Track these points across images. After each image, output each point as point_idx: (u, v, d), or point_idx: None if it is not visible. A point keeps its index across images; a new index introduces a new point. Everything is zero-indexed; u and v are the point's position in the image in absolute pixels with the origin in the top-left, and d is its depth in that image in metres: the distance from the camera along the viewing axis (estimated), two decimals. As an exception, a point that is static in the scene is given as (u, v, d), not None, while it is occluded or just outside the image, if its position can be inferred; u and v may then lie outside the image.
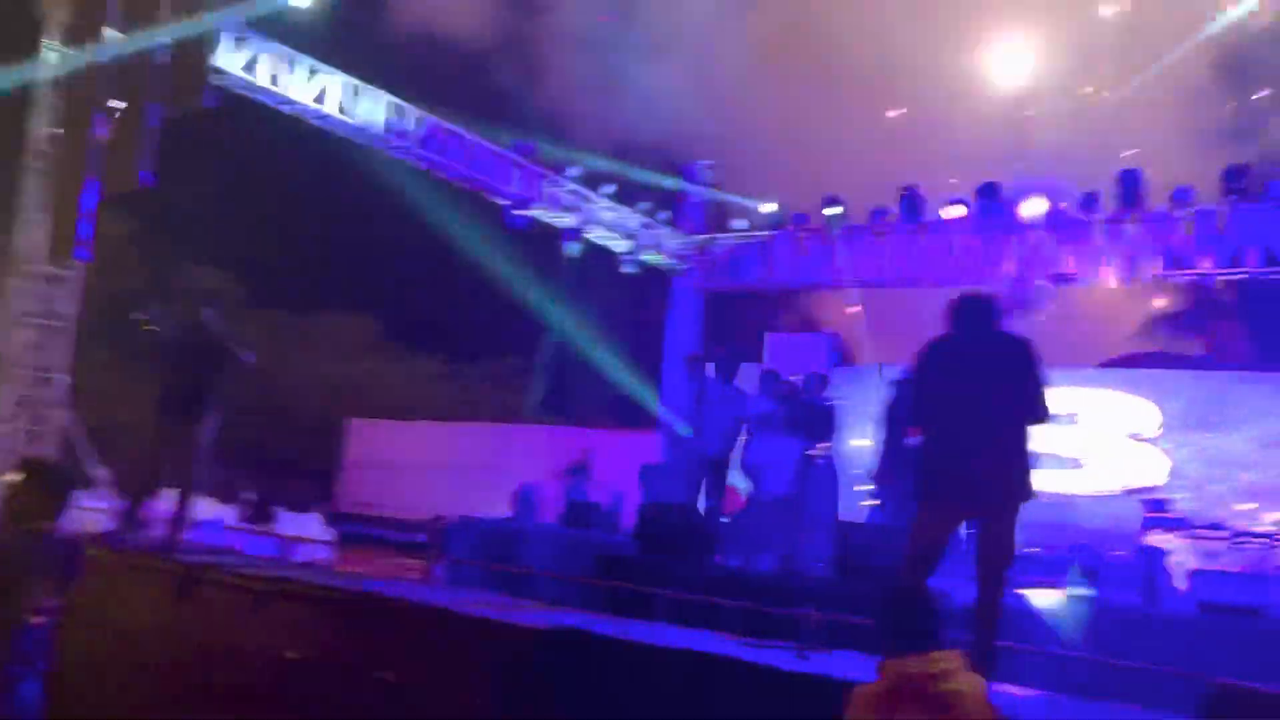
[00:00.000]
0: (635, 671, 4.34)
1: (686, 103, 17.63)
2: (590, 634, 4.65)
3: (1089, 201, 13.33)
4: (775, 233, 15.61)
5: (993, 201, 13.91)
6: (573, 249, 14.78)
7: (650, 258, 15.89)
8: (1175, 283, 15.27)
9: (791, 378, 9.43)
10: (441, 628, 5.04)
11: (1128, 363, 17.10)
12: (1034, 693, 4.10)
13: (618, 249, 15.44)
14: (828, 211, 14.90)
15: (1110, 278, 13.55)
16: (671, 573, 7.15)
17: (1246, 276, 13.01)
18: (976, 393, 4.17)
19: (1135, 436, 13.43)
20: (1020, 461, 4.15)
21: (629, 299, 17.49)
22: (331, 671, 5.04)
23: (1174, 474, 12.89)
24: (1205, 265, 12.82)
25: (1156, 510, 11.26)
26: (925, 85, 17.02)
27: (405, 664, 4.90)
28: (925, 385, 4.37)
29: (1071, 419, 13.12)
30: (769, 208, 15.60)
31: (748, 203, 15.87)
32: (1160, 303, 18.60)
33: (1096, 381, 14.07)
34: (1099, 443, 13.36)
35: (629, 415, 16.99)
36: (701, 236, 16.43)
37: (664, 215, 15.91)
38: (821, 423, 8.14)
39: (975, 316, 4.46)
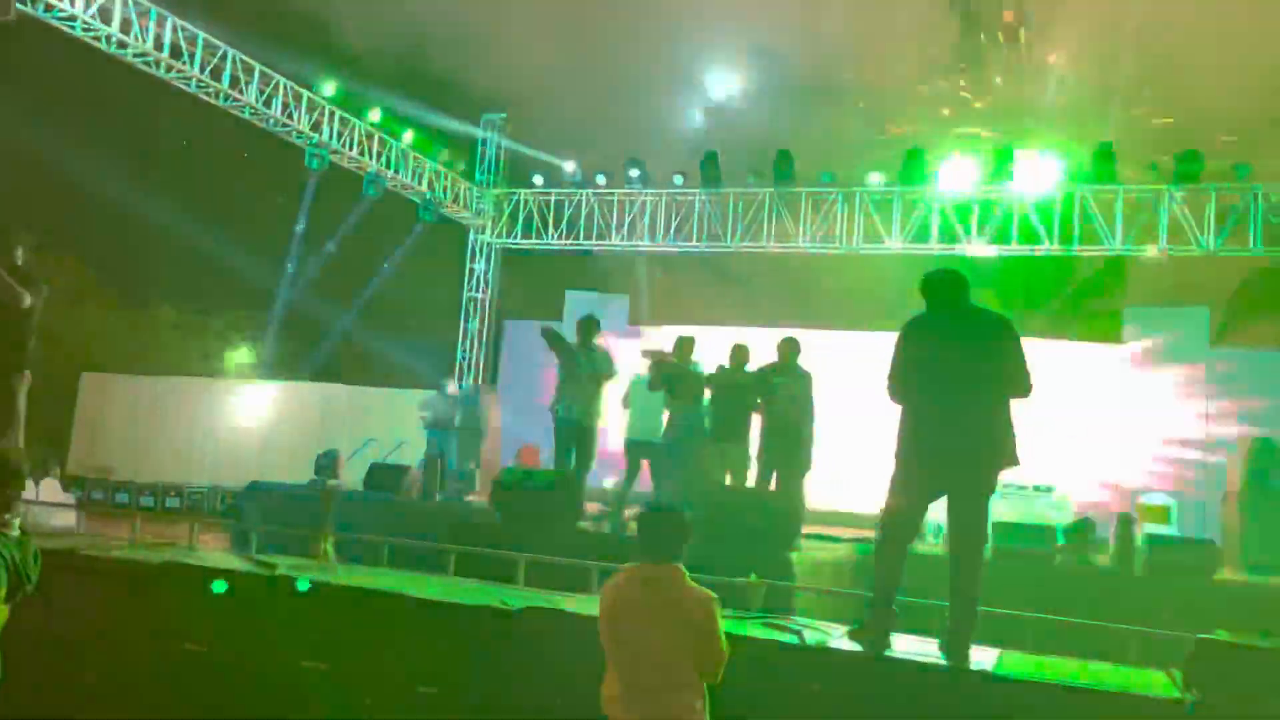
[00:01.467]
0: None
1: (489, 52, 17.08)
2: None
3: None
4: (577, 191, 15.52)
5: (789, 170, 14.50)
6: (370, 193, 13.99)
7: (448, 210, 15.34)
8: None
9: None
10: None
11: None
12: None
13: (415, 198, 14.80)
14: (630, 173, 14.99)
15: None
16: (533, 538, 7.01)
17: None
18: (958, 368, 4.37)
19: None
20: (1003, 433, 4.40)
21: (424, 252, 16.83)
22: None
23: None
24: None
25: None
26: (739, 54, 17.36)
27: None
28: (907, 361, 4.52)
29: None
30: (571, 166, 15.46)
31: (550, 159, 15.67)
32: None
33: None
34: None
35: (424, 372, 16.43)
36: (500, 190, 16.08)
37: (462, 167, 15.40)
38: (696, 385, 8.22)
39: (950, 293, 4.66)
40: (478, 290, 16.20)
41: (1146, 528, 10.90)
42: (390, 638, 4.56)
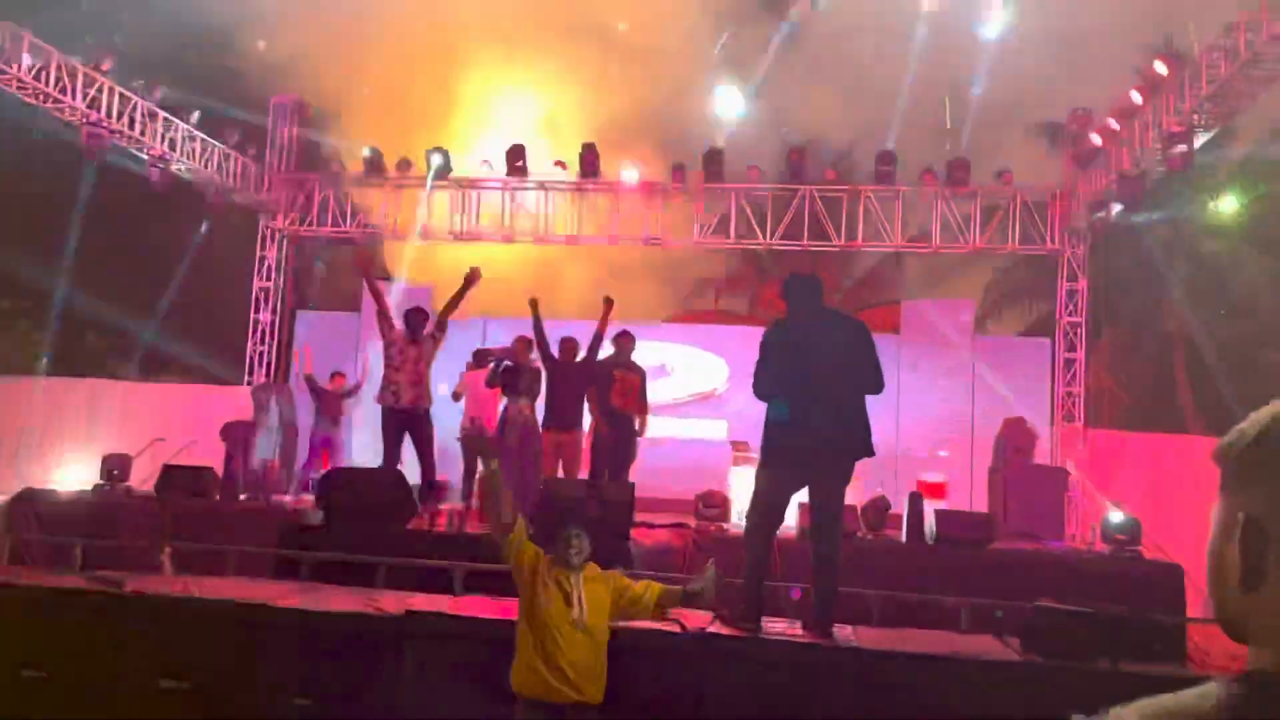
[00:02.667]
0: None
1: (281, 31, 16.24)
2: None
3: (676, 172, 14.65)
4: (374, 179, 15.08)
5: (591, 163, 14.70)
6: (153, 177, 13.06)
7: (238, 197, 14.54)
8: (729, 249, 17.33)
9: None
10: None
11: (696, 319, 19.07)
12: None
13: (201, 184, 13.94)
14: (431, 161, 14.74)
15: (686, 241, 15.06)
16: (368, 539, 6.88)
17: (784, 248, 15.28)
18: (818, 368, 4.66)
19: (711, 388, 15.15)
20: (860, 426, 4.73)
21: (214, 239, 15.87)
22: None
23: (741, 419, 14.81)
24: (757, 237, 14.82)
25: (743, 450, 12.94)
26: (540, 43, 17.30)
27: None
28: (772, 361, 4.77)
29: (664, 370, 14.47)
30: (367, 151, 15.00)
31: (345, 145, 15.15)
32: (715, 265, 20.93)
33: (676, 336, 15.57)
34: (691, 392, 14.85)
35: (213, 367, 15.53)
36: (291, 176, 15.39)
37: (252, 151, 14.64)
38: (533, 382, 8.28)
39: (808, 297, 4.96)
40: (268, 279, 15.45)
41: (928, 503, 11.90)
42: (257, 651, 4.38)
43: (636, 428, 8.67)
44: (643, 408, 8.78)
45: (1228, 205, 16.80)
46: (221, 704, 4.23)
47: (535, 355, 8.63)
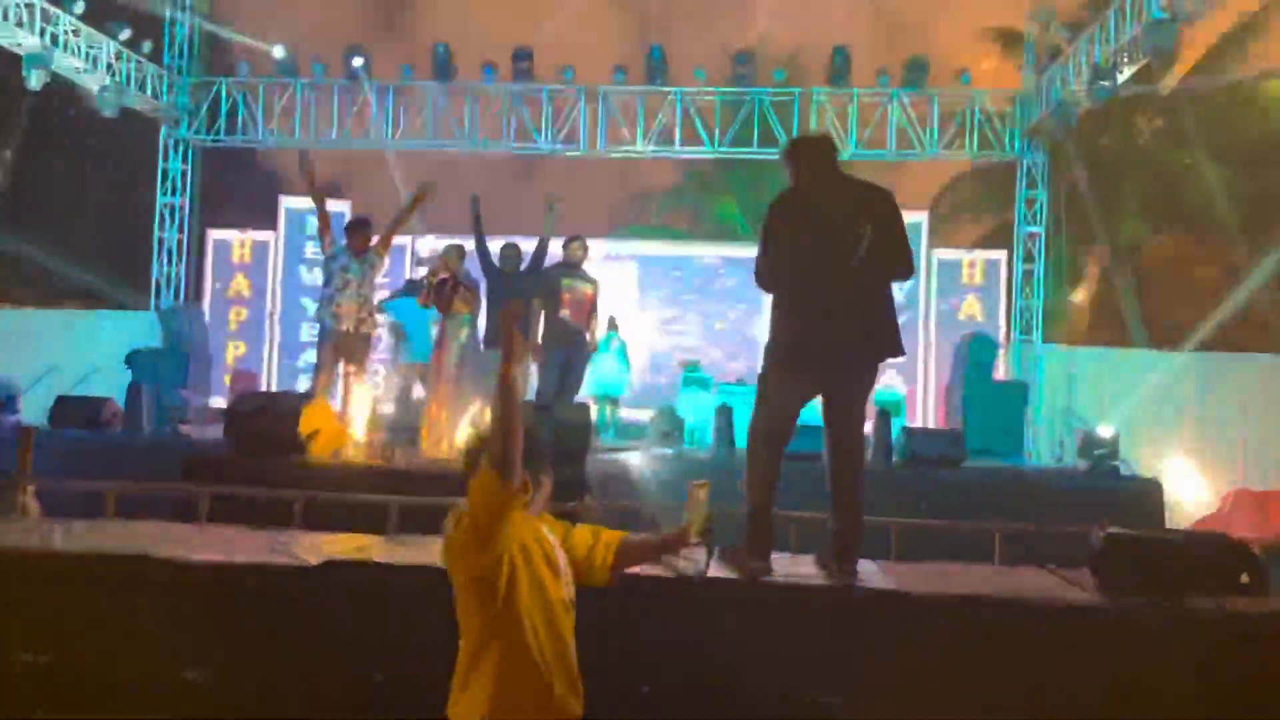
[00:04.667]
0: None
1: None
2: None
3: (618, 74, 13.62)
4: (289, 81, 13.79)
5: (526, 66, 13.61)
6: (31, 78, 11.59)
7: (133, 101, 13.14)
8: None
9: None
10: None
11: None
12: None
13: (92, 85, 12.51)
14: (354, 63, 13.50)
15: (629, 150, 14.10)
16: (282, 473, 5.99)
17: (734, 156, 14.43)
18: (835, 248, 3.86)
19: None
20: (887, 319, 3.96)
21: (106, 150, 14.43)
22: None
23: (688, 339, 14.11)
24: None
25: (692, 372, 12.26)
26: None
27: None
28: (778, 242, 3.95)
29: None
30: (281, 52, 13.68)
31: (256, 44, 13.80)
32: (654, 177, 19.97)
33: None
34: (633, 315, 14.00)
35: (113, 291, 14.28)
36: (197, 79, 14.01)
37: (147, 47, 13.20)
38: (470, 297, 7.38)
39: (820, 161, 4.12)
40: (174, 195, 14.14)
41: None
42: (139, 613, 3.52)
43: (588, 341, 7.85)
44: (594, 322, 7.94)
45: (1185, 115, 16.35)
46: (91, 679, 3.37)
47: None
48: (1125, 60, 10.42)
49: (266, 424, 6.08)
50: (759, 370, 4.09)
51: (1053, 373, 13.29)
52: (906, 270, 4.05)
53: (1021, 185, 13.87)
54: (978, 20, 17.17)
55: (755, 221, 19.43)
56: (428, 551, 3.71)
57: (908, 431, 9.62)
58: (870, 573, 3.71)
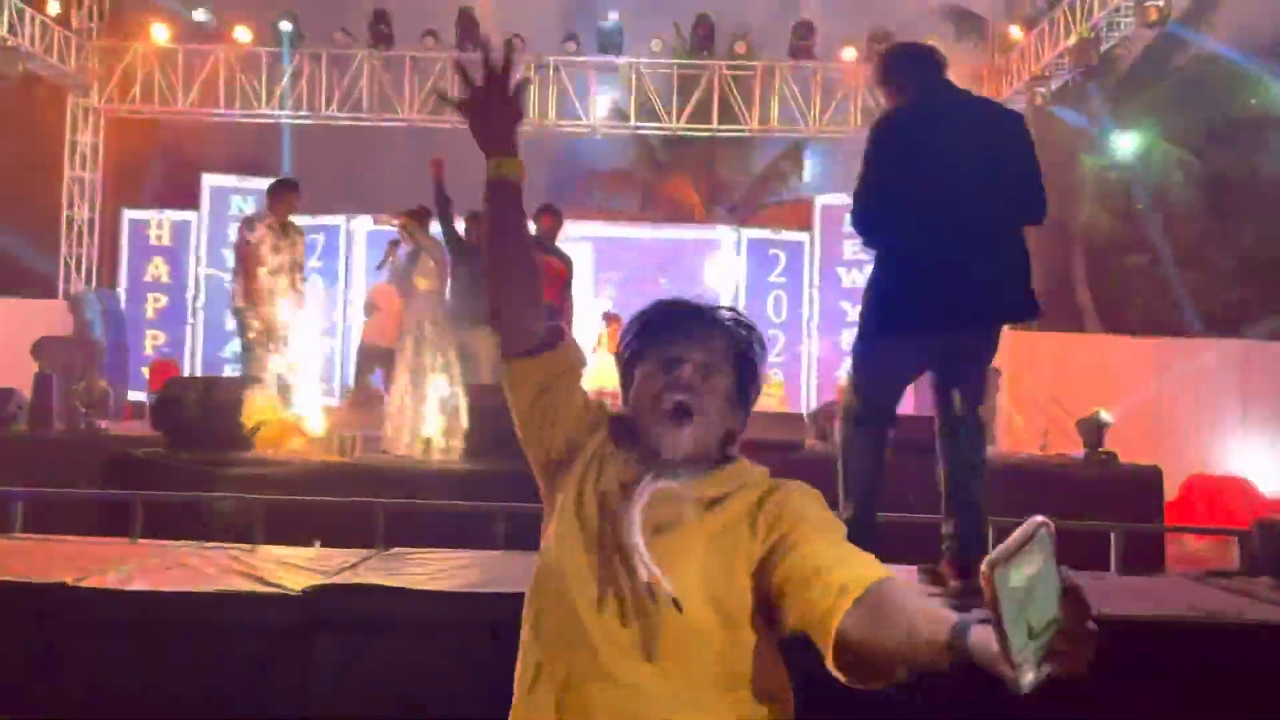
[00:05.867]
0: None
1: None
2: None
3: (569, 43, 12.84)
4: (210, 47, 12.72)
5: (471, 32, 12.75)
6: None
7: (37, 65, 11.94)
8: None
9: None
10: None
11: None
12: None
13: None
14: (282, 26, 12.50)
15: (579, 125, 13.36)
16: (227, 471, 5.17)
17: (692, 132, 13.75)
18: (958, 181, 3.18)
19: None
20: (1021, 269, 3.29)
21: (7, 120, 13.19)
22: None
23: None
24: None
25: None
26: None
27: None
28: (884, 175, 3.24)
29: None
30: (202, 15, 12.62)
31: (173, 5, 12.70)
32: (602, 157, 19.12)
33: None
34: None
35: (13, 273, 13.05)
36: (107, 42, 12.82)
37: (54, 9, 12.03)
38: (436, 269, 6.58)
39: (928, 74, 3.43)
40: (84, 169, 12.96)
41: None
42: (61, 661, 2.70)
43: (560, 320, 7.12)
44: (568, 302, 7.22)
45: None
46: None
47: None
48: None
49: (204, 414, 5.22)
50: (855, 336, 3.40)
51: (1019, 358, 12.93)
52: (1039, 208, 3.36)
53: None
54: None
55: (710, 203, 18.95)
56: (434, 570, 2.96)
57: (898, 418, 9.07)
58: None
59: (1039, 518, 1.04)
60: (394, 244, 6.66)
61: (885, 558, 3.15)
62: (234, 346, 13.32)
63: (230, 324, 13.20)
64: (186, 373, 13.01)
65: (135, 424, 9.84)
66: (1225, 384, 11.56)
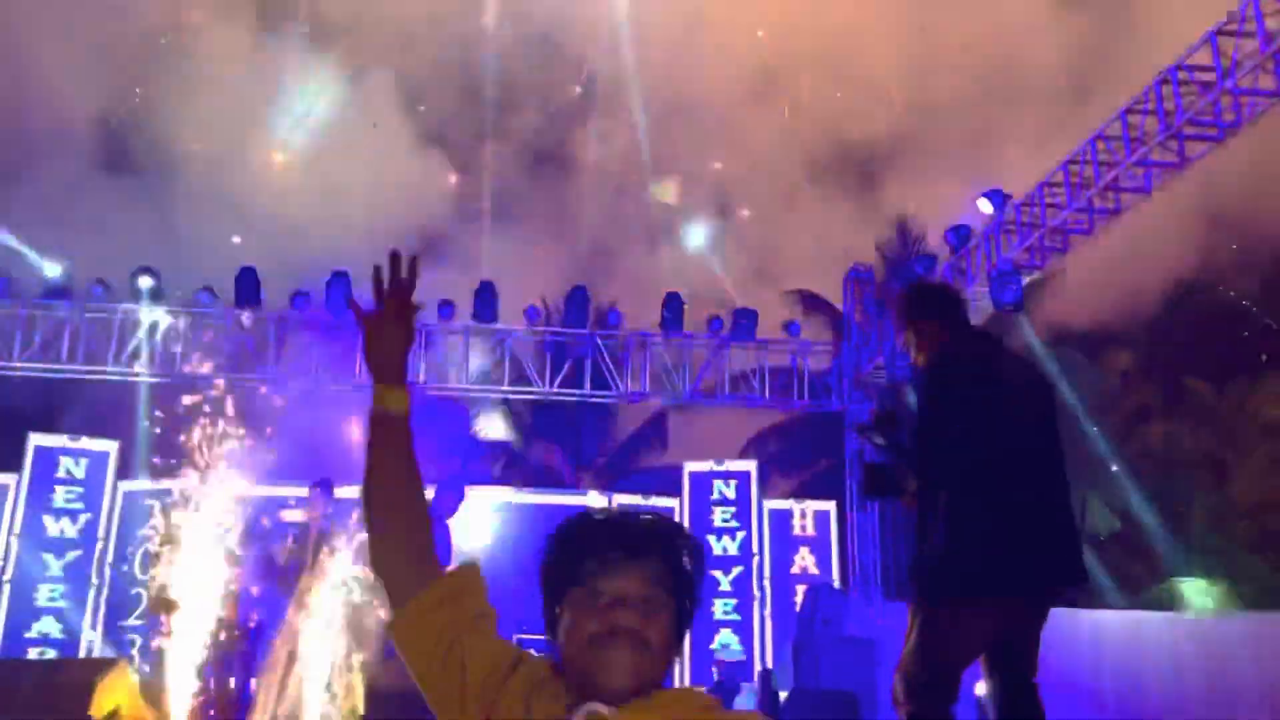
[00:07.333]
0: None
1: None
2: None
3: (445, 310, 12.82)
4: (61, 304, 12.05)
5: (340, 292, 12.56)
6: None
7: None
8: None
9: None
10: None
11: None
12: None
13: None
14: (140, 283, 12.01)
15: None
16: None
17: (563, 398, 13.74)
18: (1029, 433, 2.95)
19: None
20: (1078, 534, 3.04)
21: None
22: None
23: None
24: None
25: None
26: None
27: None
28: (960, 417, 2.95)
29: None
30: (54, 270, 12.04)
31: (26, 258, 12.10)
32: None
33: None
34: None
35: None
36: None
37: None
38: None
39: (965, 317, 3.25)
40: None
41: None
42: None
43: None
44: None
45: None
46: None
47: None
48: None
49: (48, 701, 4.34)
50: (917, 603, 3.05)
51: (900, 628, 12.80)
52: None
53: (849, 435, 13.83)
54: (792, 283, 17.97)
55: (576, 468, 18.69)
56: None
57: (798, 692, 8.66)
58: None
59: None
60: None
61: None
62: (43, 626, 11.79)
63: (44, 599, 11.81)
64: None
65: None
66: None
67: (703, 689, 1.37)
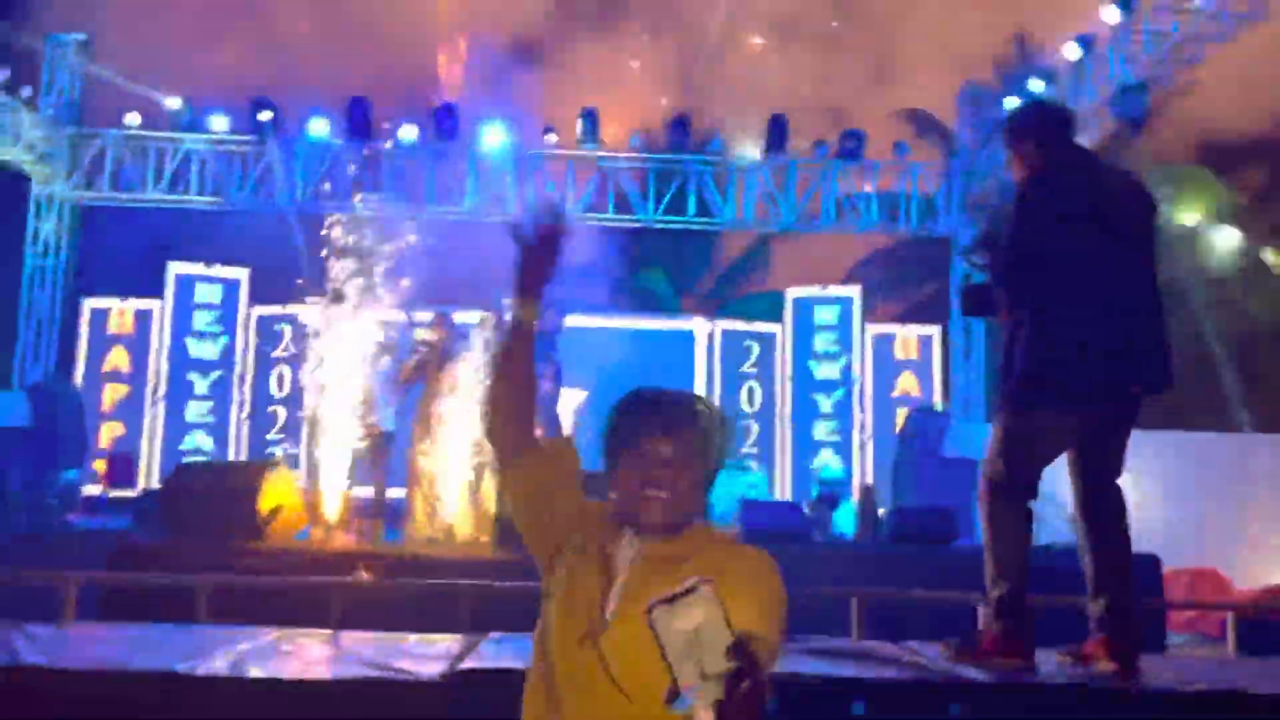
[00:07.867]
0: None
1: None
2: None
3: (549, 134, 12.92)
4: (182, 136, 12.55)
5: (450, 126, 12.76)
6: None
7: (4, 151, 11.66)
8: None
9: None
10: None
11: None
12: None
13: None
14: (260, 117, 12.39)
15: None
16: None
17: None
18: (1116, 247, 3.05)
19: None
20: (1163, 339, 3.17)
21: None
22: None
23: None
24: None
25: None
26: None
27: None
28: (1046, 229, 3.05)
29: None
30: (174, 103, 12.48)
31: (146, 93, 12.53)
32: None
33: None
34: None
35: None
36: (76, 130, 12.58)
37: (26, 92, 11.80)
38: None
39: (1067, 135, 3.33)
40: (46, 257, 12.58)
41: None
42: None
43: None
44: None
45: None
46: None
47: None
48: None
49: (217, 503, 4.90)
50: (1001, 406, 3.25)
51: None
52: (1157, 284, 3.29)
53: (956, 260, 13.66)
54: (903, 100, 17.36)
55: (679, 294, 18.97)
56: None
57: (898, 509, 8.98)
58: (1152, 670, 2.88)
59: (699, 578, 1.31)
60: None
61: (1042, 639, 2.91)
62: (194, 440, 12.89)
63: (193, 416, 12.86)
64: (141, 468, 12.50)
65: (106, 518, 9.34)
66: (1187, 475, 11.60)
67: (725, 528, 1.95)
